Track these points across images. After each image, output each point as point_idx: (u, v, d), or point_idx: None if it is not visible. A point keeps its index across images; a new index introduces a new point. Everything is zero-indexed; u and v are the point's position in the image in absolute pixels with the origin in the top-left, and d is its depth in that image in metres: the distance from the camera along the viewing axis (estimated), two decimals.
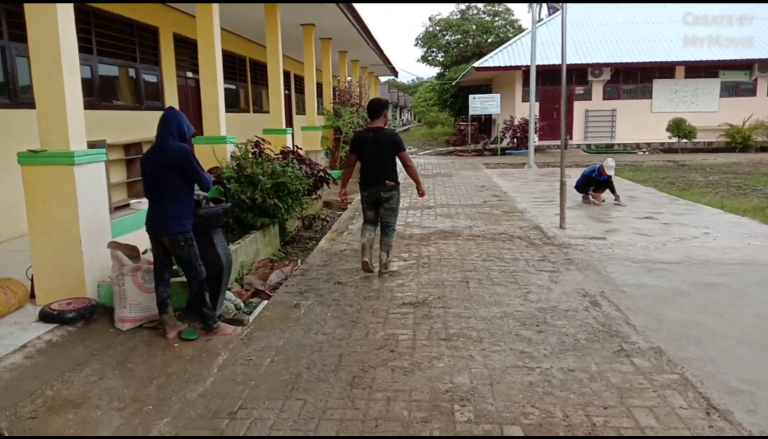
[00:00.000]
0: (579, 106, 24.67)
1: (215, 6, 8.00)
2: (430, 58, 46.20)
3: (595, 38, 25.25)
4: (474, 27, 42.78)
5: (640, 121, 24.17)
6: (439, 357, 3.90)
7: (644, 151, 22.41)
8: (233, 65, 15.90)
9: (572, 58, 22.37)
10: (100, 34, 9.59)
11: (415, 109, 61.99)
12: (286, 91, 18.66)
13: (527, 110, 19.12)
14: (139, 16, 10.74)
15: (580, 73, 24.16)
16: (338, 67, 21.77)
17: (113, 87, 10.30)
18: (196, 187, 4.39)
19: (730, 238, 7.38)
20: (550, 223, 8.50)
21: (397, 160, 5.91)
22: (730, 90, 24.48)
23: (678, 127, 21.60)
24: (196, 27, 8.09)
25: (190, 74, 13.05)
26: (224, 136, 8.01)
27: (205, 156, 7.57)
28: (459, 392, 3.39)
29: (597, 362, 3.79)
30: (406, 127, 62.16)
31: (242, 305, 5.08)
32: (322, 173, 8.58)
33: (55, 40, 4.56)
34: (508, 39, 32.24)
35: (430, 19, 47.87)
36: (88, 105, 6.75)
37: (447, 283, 5.63)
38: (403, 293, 5.33)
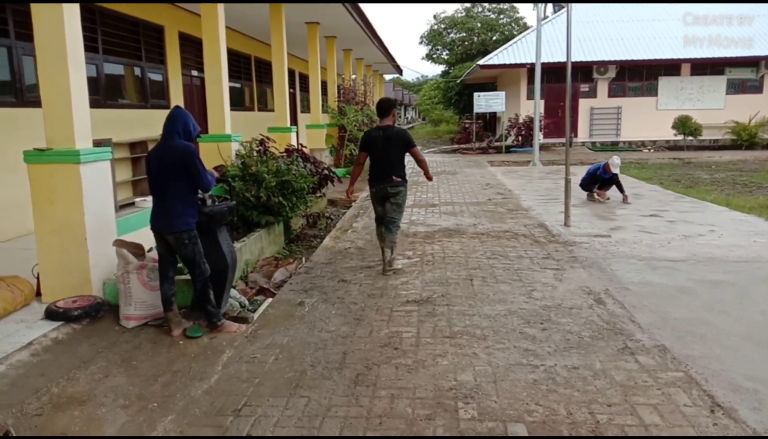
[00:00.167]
0: (584, 104, 24.58)
1: (220, 5, 8.01)
2: (434, 56, 46.13)
3: (600, 36, 25.15)
4: (479, 25, 42.67)
5: (646, 119, 24.06)
6: (443, 355, 3.90)
7: (649, 149, 22.32)
8: (238, 64, 15.92)
9: (577, 56, 22.27)
10: (105, 33, 9.62)
11: (420, 107, 61.91)
12: (291, 90, 18.69)
13: (532, 108, 19.07)
14: (144, 15, 10.77)
15: (585, 71, 24.06)
16: (343, 66, 21.77)
17: (119, 86, 10.33)
18: None
19: (736, 235, 7.35)
20: (555, 221, 8.49)
21: (406, 158, 6.05)
22: (736, 87, 24.35)
23: (683, 124, 21.51)
24: (201, 26, 8.10)
25: (195, 73, 13.08)
26: (229, 134, 8.02)
27: (210, 154, 7.59)
28: (463, 390, 3.39)
29: (601, 359, 3.79)
30: (410, 125, 62.10)
31: (247, 302, 5.10)
32: (326, 171, 8.59)
33: (61, 39, 4.58)
34: (513, 37, 32.14)
35: (435, 17, 47.80)
36: (94, 103, 6.78)
37: (451, 281, 5.63)
38: (407, 291, 5.34)
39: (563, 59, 8.58)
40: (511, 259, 6.41)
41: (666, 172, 15.02)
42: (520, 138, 22.84)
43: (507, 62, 24.39)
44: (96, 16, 9.35)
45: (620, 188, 10.23)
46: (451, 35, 44.29)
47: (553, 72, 22.98)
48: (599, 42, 24.75)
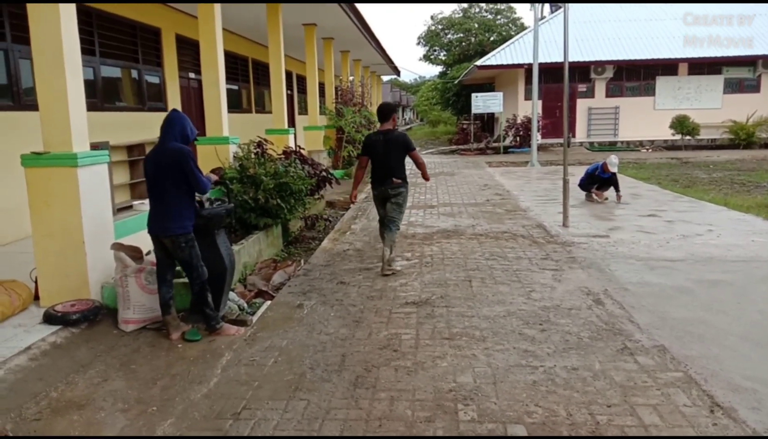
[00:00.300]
0: (582, 104, 24.62)
1: (217, 6, 8.01)
2: (432, 56, 46.15)
3: (597, 36, 25.20)
4: (476, 25, 42.70)
5: (643, 119, 24.11)
6: (442, 356, 3.90)
7: (647, 149, 22.35)
8: (235, 66, 15.91)
9: (575, 56, 22.33)
10: (102, 35, 9.61)
11: (418, 108, 61.96)
12: (289, 92, 18.70)
13: (530, 108, 19.09)
14: (141, 17, 10.76)
15: (582, 71, 24.11)
16: (340, 67, 21.77)
17: (116, 88, 10.32)
18: None
19: (734, 235, 7.36)
20: (554, 221, 8.49)
21: (406, 161, 6.20)
22: (733, 86, 24.41)
23: (681, 124, 21.54)
24: (198, 28, 8.10)
25: (192, 75, 13.07)
26: (227, 136, 8.01)
27: (208, 157, 7.59)
28: (462, 392, 3.39)
29: (600, 360, 3.78)
30: (408, 127, 62.14)
31: (245, 305, 5.10)
32: (324, 173, 8.59)
33: (58, 42, 4.58)
34: (511, 37, 32.16)
35: (432, 17, 47.78)
36: (91, 107, 6.77)
37: (450, 282, 5.63)
38: (406, 293, 5.33)
39: (561, 59, 8.59)
40: (509, 260, 6.42)
41: (664, 171, 15.03)
42: (518, 139, 22.86)
43: (504, 63, 24.42)
44: (93, 19, 9.34)
45: (616, 187, 10.25)
46: (449, 36, 44.32)
47: (551, 72, 23.02)
48: (597, 42, 24.80)
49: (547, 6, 28.83)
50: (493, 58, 25.11)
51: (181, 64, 12.39)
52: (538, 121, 19.26)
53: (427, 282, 5.65)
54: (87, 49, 8.92)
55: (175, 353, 4.15)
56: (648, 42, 24.56)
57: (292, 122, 18.49)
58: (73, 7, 4.73)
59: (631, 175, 13.88)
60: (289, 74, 19.63)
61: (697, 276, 5.68)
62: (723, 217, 8.61)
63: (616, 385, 3.43)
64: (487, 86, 32.98)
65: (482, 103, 23.78)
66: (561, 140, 18.15)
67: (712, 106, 23.99)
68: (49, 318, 4.50)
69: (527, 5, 48.80)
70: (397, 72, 35.52)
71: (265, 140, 7.80)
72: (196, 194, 4.49)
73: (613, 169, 10.09)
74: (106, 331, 4.56)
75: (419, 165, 6.31)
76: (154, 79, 11.48)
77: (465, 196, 11.36)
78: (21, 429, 3.15)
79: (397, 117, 6.81)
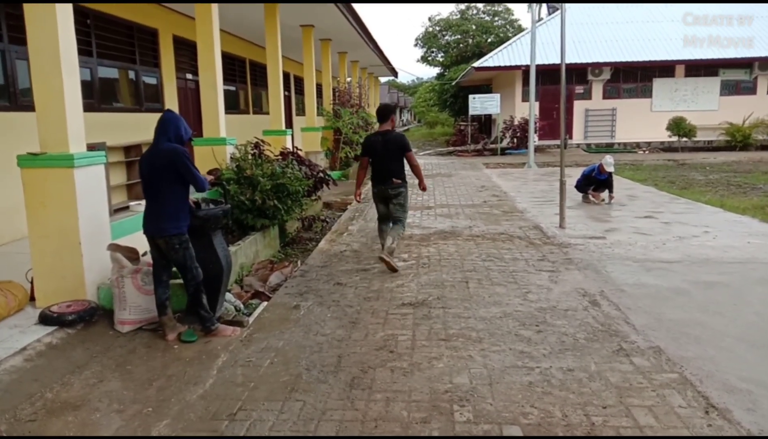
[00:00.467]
0: (579, 106, 24.67)
1: (215, 7, 8.01)
2: (429, 58, 46.17)
3: (594, 37, 25.25)
4: (474, 27, 42.74)
5: (640, 120, 24.16)
6: (438, 358, 3.90)
7: (644, 151, 22.41)
8: (233, 67, 15.91)
9: (572, 58, 22.39)
10: (99, 36, 9.60)
11: (415, 109, 62.01)
12: (286, 93, 18.68)
13: (527, 110, 19.12)
14: (138, 18, 10.75)
15: (580, 73, 24.17)
16: (338, 68, 21.78)
17: (113, 89, 10.31)
18: (192, 189, 4.39)
19: (730, 236, 7.38)
20: (550, 222, 8.50)
21: (405, 160, 6.31)
22: (730, 88, 24.48)
23: (678, 126, 21.60)
24: (195, 29, 8.09)
25: (189, 76, 13.07)
26: (224, 137, 8.02)
27: (205, 157, 7.59)
28: (458, 393, 3.39)
29: (596, 361, 3.79)
30: (406, 128, 62.15)
31: (242, 306, 5.09)
32: (321, 174, 8.59)
33: (55, 43, 4.57)
34: (508, 39, 32.23)
35: (429, 19, 47.89)
36: (88, 107, 6.77)
37: (447, 283, 5.63)
38: (402, 294, 5.34)
39: (558, 61, 8.60)
40: (506, 261, 6.42)
41: (661, 173, 15.07)
42: (515, 140, 22.91)
43: (502, 64, 24.46)
44: (90, 20, 9.33)
45: (610, 188, 10.27)
46: (446, 37, 44.35)
47: (548, 74, 23.05)
48: (594, 44, 24.85)
49: (544, 8, 28.92)
50: (490, 60, 25.15)
51: (178, 65, 12.39)
52: (536, 123, 19.31)
53: (423, 283, 5.66)
54: (84, 50, 8.92)
55: (171, 354, 4.15)
56: (645, 44, 24.62)
57: (289, 123, 18.50)
58: (69, 7, 4.72)
59: (627, 177, 13.91)
60: (286, 75, 19.62)
61: (694, 277, 5.69)
62: (719, 218, 8.63)
63: (611, 386, 3.44)
64: (485, 88, 33.03)
65: (479, 104, 23.83)
66: (558, 142, 18.15)
67: (709, 108, 24.06)
68: (45, 319, 4.49)
69: (524, 7, 48.88)
70: (395, 73, 35.57)
71: (263, 141, 7.80)
72: (191, 195, 4.48)
73: (610, 168, 10.11)
74: (102, 332, 4.55)
75: (414, 168, 6.37)
76: (152, 80, 11.47)
77: (462, 198, 11.37)
78: (16, 430, 3.14)
79: (396, 118, 6.90)
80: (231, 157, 7.59)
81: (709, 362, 3.76)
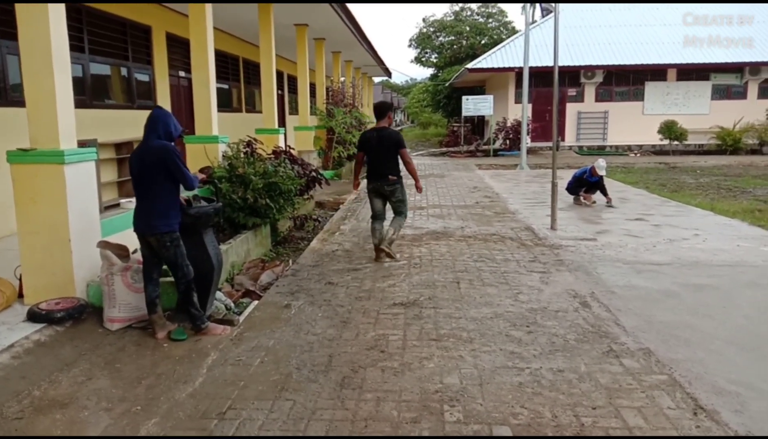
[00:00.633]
0: (571, 108, 24.75)
1: (208, 5, 7.97)
2: (423, 59, 46.21)
3: (587, 41, 25.35)
4: (467, 28, 42.81)
5: (632, 123, 24.27)
6: (429, 358, 3.90)
7: (636, 153, 22.52)
8: (226, 65, 15.85)
9: (565, 60, 22.45)
10: (92, 32, 9.54)
11: (409, 110, 62.03)
12: (279, 91, 18.64)
13: (520, 112, 19.16)
14: (131, 15, 10.70)
15: (572, 75, 24.24)
16: (332, 68, 21.75)
17: (105, 86, 10.25)
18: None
19: (720, 240, 7.43)
20: (542, 224, 8.53)
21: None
22: (721, 93, 24.63)
23: (669, 129, 21.72)
24: (189, 26, 8.05)
25: (182, 73, 13.01)
26: (216, 135, 7.98)
27: (197, 155, 7.55)
28: (449, 393, 3.39)
29: (586, 362, 3.80)
30: (399, 128, 62.05)
31: (232, 305, 5.07)
32: (314, 173, 8.57)
33: (47, 38, 4.53)
34: (502, 41, 32.29)
35: (423, 20, 47.87)
36: (80, 104, 6.71)
37: (438, 283, 5.64)
38: (394, 294, 5.33)
39: (551, 63, 8.63)
40: (497, 262, 6.43)
41: (652, 176, 15.15)
42: (507, 142, 22.97)
43: (495, 66, 24.49)
44: (82, 16, 9.27)
45: (604, 191, 10.32)
46: (440, 38, 44.41)
47: (541, 76, 23.13)
48: (587, 47, 24.94)
49: (538, 10, 29.02)
50: (484, 62, 25.18)
51: (171, 63, 12.33)
52: (528, 125, 19.36)
53: (415, 283, 5.66)
54: (76, 46, 8.86)
55: (160, 353, 4.13)
56: (637, 47, 24.74)
57: (282, 122, 18.45)
58: (61, 4, 4.69)
59: (619, 180, 13.98)
60: (280, 74, 19.58)
61: (684, 280, 5.72)
62: (709, 221, 8.68)
63: (601, 387, 3.45)
64: (478, 89, 33.06)
65: (473, 105, 23.88)
66: (550, 144, 18.27)
67: (700, 112, 24.20)
68: (33, 316, 4.46)
69: (518, 9, 49.05)
70: (389, 74, 35.58)
71: (255, 140, 7.77)
72: (182, 193, 4.46)
73: (601, 172, 10.16)
74: (91, 329, 4.52)
75: (407, 164, 6.46)
76: (144, 77, 11.41)
77: (454, 198, 11.38)
78: (2, 428, 3.12)
79: (393, 115, 7.01)
80: (223, 156, 7.56)
81: (698, 364, 3.78)
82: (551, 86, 8.58)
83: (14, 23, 4.63)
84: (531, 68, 18.20)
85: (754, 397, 3.34)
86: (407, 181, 6.69)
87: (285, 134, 13.02)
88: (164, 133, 4.26)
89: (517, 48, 23.61)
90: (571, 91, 24.70)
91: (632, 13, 27.42)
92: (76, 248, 4.76)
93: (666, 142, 22.14)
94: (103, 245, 4.73)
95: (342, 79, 22.21)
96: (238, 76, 17.01)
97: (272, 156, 7.90)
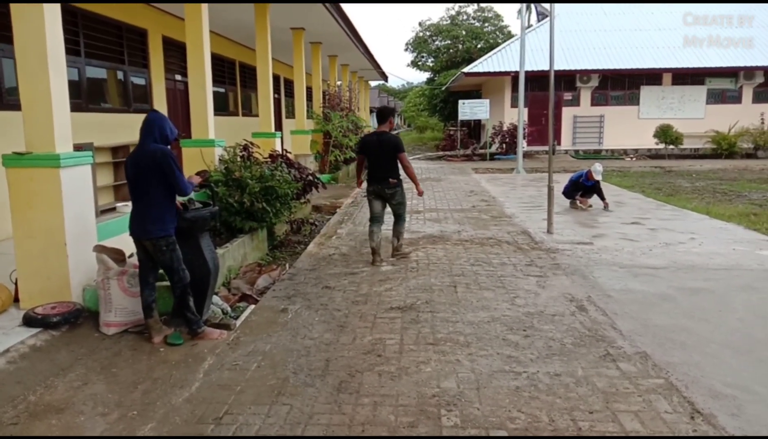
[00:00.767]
0: (567, 112, 24.84)
1: (204, 8, 7.97)
2: (420, 63, 46.35)
3: (583, 45, 25.45)
4: (464, 33, 42.97)
5: (628, 127, 24.37)
6: (426, 362, 3.90)
7: (631, 157, 22.59)
8: (222, 68, 15.85)
9: (561, 65, 22.54)
10: (88, 36, 9.53)
11: (405, 113, 62.09)
12: (276, 95, 18.64)
13: (516, 116, 19.22)
14: (127, 18, 10.69)
15: (568, 80, 24.34)
16: (328, 72, 21.77)
17: (101, 89, 10.23)
18: None
19: (716, 243, 7.45)
20: (538, 228, 8.54)
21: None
22: (716, 97, 24.76)
23: (665, 133, 21.80)
24: (185, 29, 8.05)
25: (178, 77, 13.00)
26: (213, 139, 7.97)
27: (194, 159, 7.54)
28: (446, 397, 3.39)
29: (583, 366, 3.81)
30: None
31: (229, 309, 5.06)
32: (311, 177, 8.57)
33: (42, 41, 4.52)
34: (498, 45, 32.38)
35: (420, 24, 48.01)
36: (76, 107, 6.71)
37: (435, 287, 5.63)
38: (391, 298, 5.33)
39: (547, 68, 8.65)
40: (494, 266, 6.44)
41: (647, 180, 15.19)
42: (504, 145, 23.02)
43: (491, 70, 24.57)
44: (78, 19, 9.26)
45: (601, 196, 10.34)
46: (436, 43, 44.55)
47: (537, 80, 23.20)
48: (582, 51, 25.04)
49: (534, 15, 29.12)
50: (480, 66, 25.26)
51: (167, 66, 12.32)
52: (524, 129, 19.42)
53: (412, 287, 5.65)
54: (72, 50, 8.85)
55: (156, 357, 4.11)
56: (633, 52, 24.85)
57: (279, 126, 18.46)
58: (57, 6, 4.68)
59: (615, 183, 14.01)
60: (276, 78, 19.59)
61: (680, 284, 5.73)
62: (705, 225, 8.71)
63: (598, 391, 3.45)
64: (474, 93, 33.18)
65: (469, 109, 23.95)
66: (546, 148, 18.29)
67: (695, 116, 24.32)
68: (29, 321, 4.43)
69: (514, 13, 49.18)
70: (385, 77, 35.58)
71: (252, 143, 7.77)
72: (178, 198, 4.45)
73: (597, 176, 10.18)
74: (87, 334, 4.50)
75: (406, 168, 6.61)
76: (140, 81, 11.40)
77: (451, 202, 11.40)
78: None
79: (394, 120, 7.17)
80: (219, 159, 7.55)
81: (694, 368, 3.79)
82: (547, 90, 8.60)
83: (9, 26, 4.62)
84: (527, 72, 18.26)
85: (750, 400, 3.35)
86: (406, 185, 6.73)
87: (282, 138, 13.01)
88: (160, 137, 4.25)
89: (513, 52, 23.69)
90: (567, 96, 24.79)
91: (627, 18, 27.57)
92: (72, 252, 4.74)
93: (661, 146, 22.23)
94: (99, 249, 4.72)
95: (338, 82, 22.23)
96: (234, 80, 17.02)
97: (269, 160, 7.89)
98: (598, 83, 24.54)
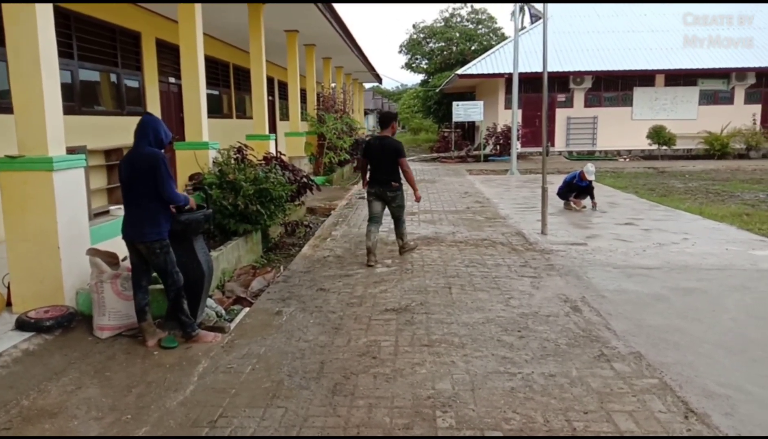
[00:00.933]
0: (561, 114, 24.92)
1: (198, 11, 7.95)
2: (414, 65, 46.41)
3: (576, 47, 25.55)
4: (457, 35, 43.07)
5: (621, 129, 24.49)
6: (421, 363, 3.90)
7: (625, 158, 22.68)
8: (216, 71, 15.82)
9: (554, 66, 22.61)
10: (81, 38, 9.49)
11: (399, 115, 62.15)
12: (270, 97, 18.63)
13: (510, 117, 19.27)
14: (120, 20, 10.66)
15: (562, 81, 24.42)
16: (322, 74, 21.76)
17: (94, 92, 10.19)
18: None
19: (709, 243, 7.49)
20: (532, 229, 8.56)
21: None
22: (708, 98, 24.91)
23: (658, 134, 21.91)
24: (178, 32, 8.03)
25: (172, 79, 12.96)
26: (206, 141, 7.95)
27: (187, 162, 7.52)
28: (441, 398, 3.39)
29: (578, 367, 3.81)
30: None
31: (223, 312, 5.04)
32: (305, 179, 8.55)
33: (34, 44, 4.50)
34: (492, 47, 32.49)
35: (414, 26, 48.19)
36: (69, 110, 6.68)
37: (430, 289, 5.64)
38: (385, 300, 5.33)
39: (540, 69, 8.69)
40: (489, 267, 6.45)
41: (641, 181, 15.25)
42: (498, 147, 23.07)
43: (485, 72, 24.63)
44: (71, 22, 9.23)
45: (591, 196, 10.38)
46: (430, 45, 44.63)
47: (531, 82, 23.26)
48: (576, 53, 25.14)
49: (527, 17, 29.22)
50: (474, 68, 25.31)
51: (161, 69, 12.28)
52: (518, 130, 19.46)
53: (407, 289, 5.66)
54: (65, 52, 8.81)
55: (150, 361, 4.10)
56: (626, 53, 24.98)
57: (273, 128, 18.37)
58: (50, 7, 4.66)
59: (608, 184, 14.06)
60: (270, 80, 19.57)
61: (673, 284, 5.76)
62: (698, 226, 8.75)
63: (592, 391, 3.46)
64: (468, 95, 33.23)
65: (463, 111, 24.00)
66: (540, 149, 18.40)
67: (688, 117, 24.44)
68: (22, 325, 4.41)
69: (508, 15, 49.34)
70: (379, 79, 35.60)
71: (246, 146, 7.75)
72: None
73: (590, 177, 10.22)
74: (80, 338, 4.48)
75: (405, 173, 6.80)
76: (134, 83, 11.36)
77: (445, 204, 11.41)
78: None
79: (396, 125, 7.21)
80: (213, 162, 7.53)
81: (688, 368, 3.80)
82: (541, 92, 8.63)
83: (1, 28, 4.59)
84: (520, 74, 18.32)
85: (744, 399, 3.37)
86: (405, 187, 6.82)
87: (276, 140, 13.00)
88: (155, 140, 4.24)
89: (507, 54, 23.76)
90: (561, 97, 24.88)
91: (620, 20, 27.71)
92: (65, 256, 4.72)
93: (655, 147, 22.33)
94: (93, 252, 4.70)
95: (333, 85, 22.22)
96: (228, 82, 16.98)
97: (263, 162, 7.88)
98: (591, 85, 24.64)
